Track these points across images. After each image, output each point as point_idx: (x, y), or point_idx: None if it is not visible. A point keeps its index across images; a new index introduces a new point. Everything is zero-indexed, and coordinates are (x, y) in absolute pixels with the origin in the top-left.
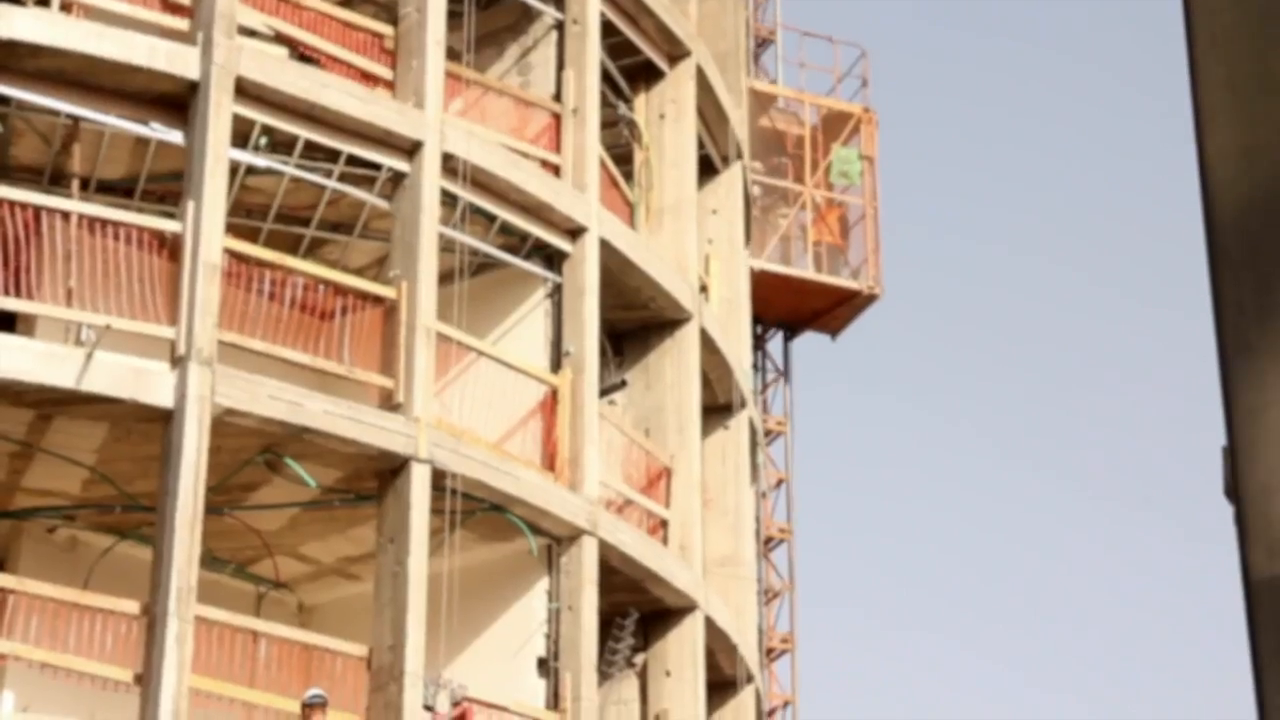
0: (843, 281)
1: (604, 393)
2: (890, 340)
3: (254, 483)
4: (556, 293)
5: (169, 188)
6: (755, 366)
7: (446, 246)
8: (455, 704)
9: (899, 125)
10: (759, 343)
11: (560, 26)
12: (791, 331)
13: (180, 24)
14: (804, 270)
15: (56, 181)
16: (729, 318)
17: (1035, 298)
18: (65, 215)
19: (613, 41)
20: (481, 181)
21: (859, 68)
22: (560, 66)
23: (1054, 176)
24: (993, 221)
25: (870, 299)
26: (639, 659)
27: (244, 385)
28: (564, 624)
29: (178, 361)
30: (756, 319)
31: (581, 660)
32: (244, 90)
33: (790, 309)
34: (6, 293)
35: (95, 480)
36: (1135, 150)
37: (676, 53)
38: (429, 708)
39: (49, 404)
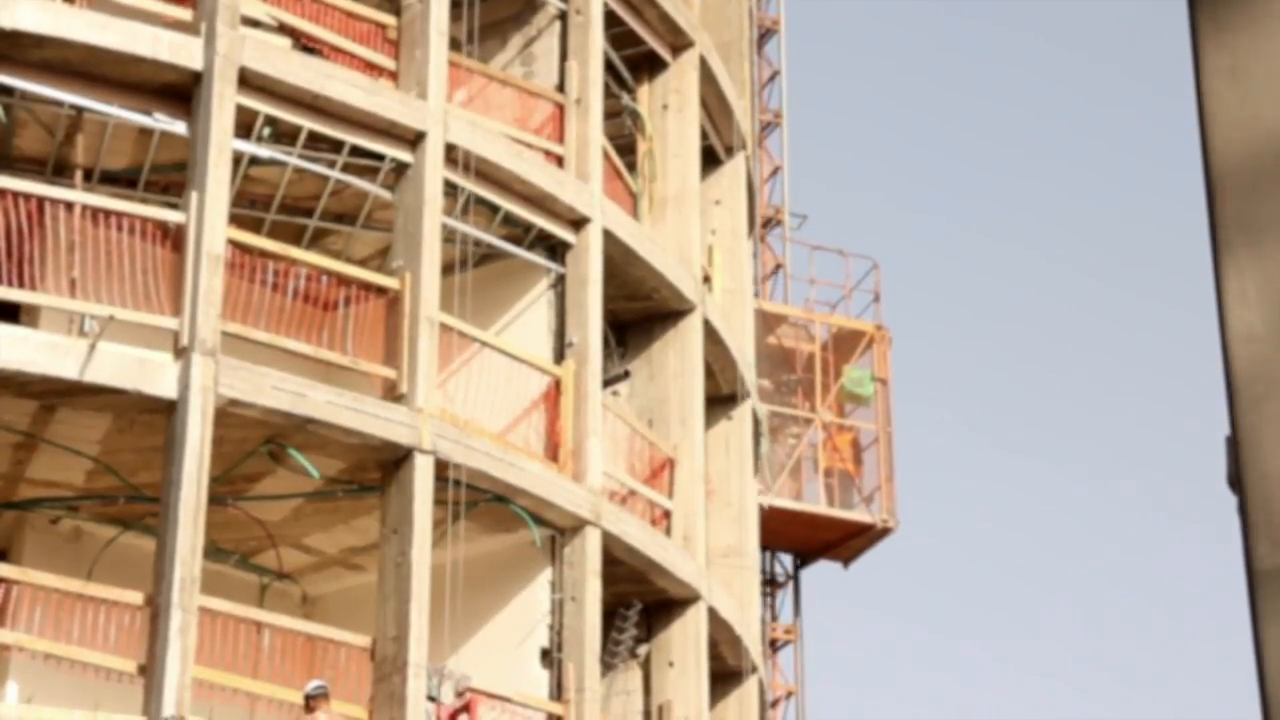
0: (856, 516)
1: (607, 383)
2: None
3: (257, 473)
4: (559, 283)
5: (172, 178)
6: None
7: (449, 237)
8: (459, 694)
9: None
10: (770, 577)
11: (563, 17)
12: (802, 560)
13: (184, 14)
14: (815, 504)
15: (60, 172)
16: (732, 308)
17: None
18: (68, 206)
19: (616, 32)
20: (485, 172)
21: (870, 281)
22: (563, 57)
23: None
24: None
25: (884, 532)
26: (642, 650)
27: (247, 376)
28: (567, 615)
29: (181, 352)
30: (765, 547)
31: (585, 651)
32: (247, 81)
33: (801, 541)
34: (10, 283)
35: (99, 471)
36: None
37: (679, 43)
38: (432, 698)
39: (52, 395)
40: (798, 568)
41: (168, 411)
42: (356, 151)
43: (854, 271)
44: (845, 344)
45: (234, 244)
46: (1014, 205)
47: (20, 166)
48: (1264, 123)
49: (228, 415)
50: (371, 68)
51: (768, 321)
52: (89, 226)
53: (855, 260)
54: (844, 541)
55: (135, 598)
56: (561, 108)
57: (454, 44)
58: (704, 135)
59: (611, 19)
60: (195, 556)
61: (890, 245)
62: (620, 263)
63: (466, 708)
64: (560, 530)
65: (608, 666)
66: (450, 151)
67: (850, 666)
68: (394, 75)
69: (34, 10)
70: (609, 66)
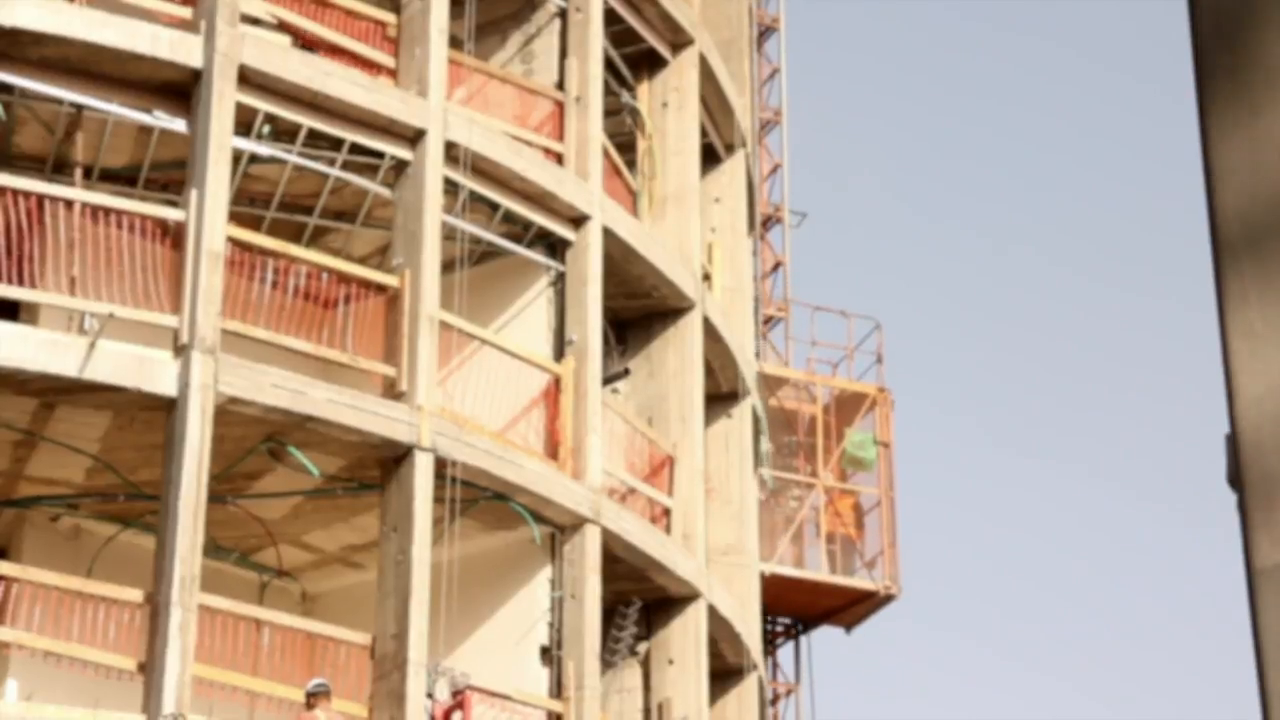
0: (858, 582)
1: (607, 381)
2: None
3: (257, 471)
4: (559, 281)
5: (172, 176)
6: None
7: (449, 235)
8: (456, 692)
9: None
10: (770, 637)
11: (563, 14)
12: (804, 626)
13: (183, 12)
14: (817, 571)
15: (59, 170)
16: (732, 306)
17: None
18: (68, 204)
19: (616, 29)
20: (484, 170)
21: (873, 342)
22: (563, 54)
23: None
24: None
25: (887, 599)
26: (642, 647)
27: (247, 374)
28: (567, 612)
29: (181, 350)
30: (767, 614)
31: (584, 649)
32: (247, 78)
33: (803, 607)
34: (10, 281)
35: (98, 469)
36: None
37: (679, 41)
38: (431, 695)
39: (52, 392)
40: (799, 634)
41: (167, 409)
42: (356, 149)
43: (856, 332)
44: (847, 406)
45: (234, 242)
46: (1016, 203)
47: (20, 164)
48: (1265, 121)
49: (227, 413)
50: (371, 65)
51: (769, 383)
52: (89, 224)
53: (857, 321)
54: (846, 608)
55: (135, 595)
56: (561, 105)
57: (454, 42)
58: (704, 133)
59: (611, 16)
60: (195, 554)
61: (890, 245)
62: (620, 260)
63: (461, 705)
64: (560, 528)
65: (607, 664)
66: (450, 149)
67: (850, 658)
68: (394, 73)
69: (34, 8)
70: (609, 64)
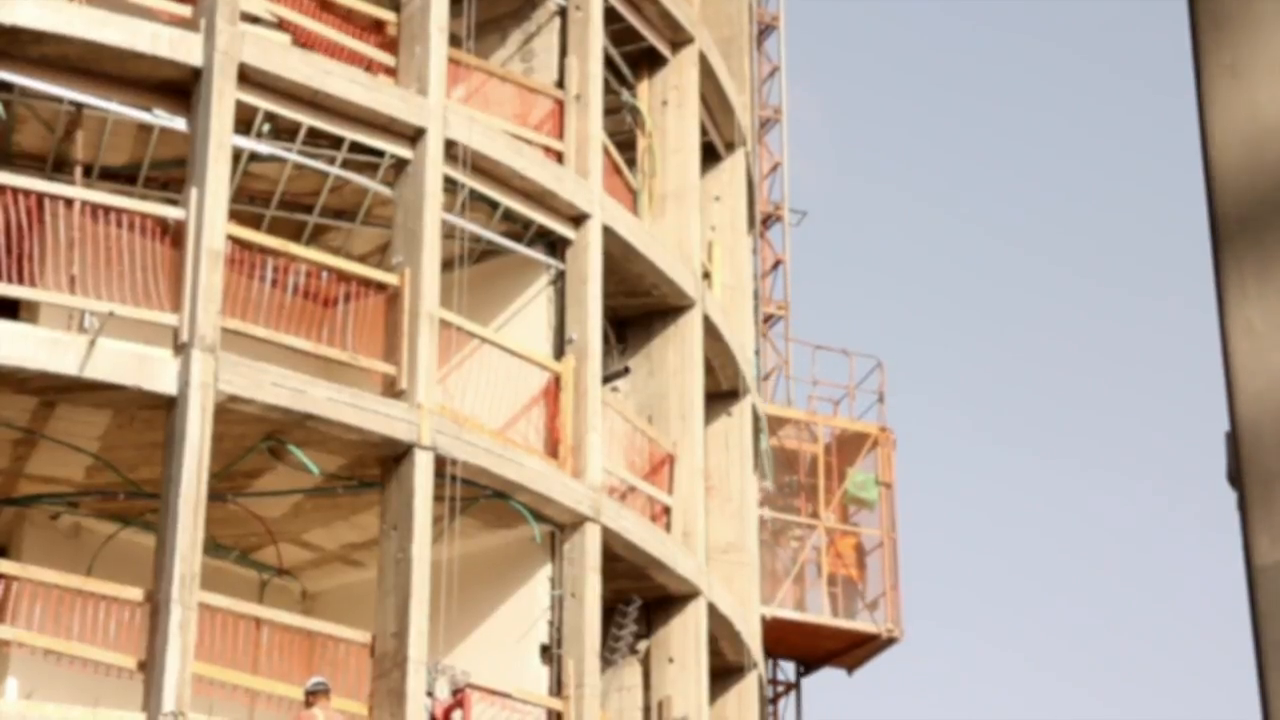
0: (860, 625)
1: (607, 379)
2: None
3: (257, 470)
4: (559, 279)
5: (172, 174)
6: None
7: (449, 233)
8: (456, 691)
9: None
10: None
11: (563, 13)
12: (806, 668)
13: (183, 10)
14: (819, 615)
15: (59, 168)
16: (732, 304)
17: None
18: (68, 202)
19: (616, 28)
20: (484, 168)
21: (874, 380)
22: (563, 53)
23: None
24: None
25: (889, 641)
26: (642, 646)
27: (247, 372)
28: (567, 611)
29: (181, 348)
30: (768, 655)
31: (584, 647)
32: (247, 77)
33: (804, 650)
34: (10, 280)
35: (98, 467)
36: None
37: (679, 39)
38: (431, 694)
39: (52, 391)
40: (800, 675)
41: (167, 407)
42: (356, 148)
43: (857, 371)
44: (849, 446)
45: (234, 240)
46: (1016, 200)
47: (20, 163)
48: (1263, 119)
49: (227, 411)
50: (371, 64)
51: (770, 424)
52: (89, 223)
53: (858, 360)
54: (848, 650)
55: (135, 594)
56: (561, 104)
57: (453, 40)
58: (704, 131)
59: (611, 15)
60: (195, 552)
61: (891, 244)
62: (620, 259)
63: (461, 703)
64: (560, 526)
65: (607, 662)
66: (450, 147)
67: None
68: (393, 71)
69: (34, 6)
70: (609, 62)
